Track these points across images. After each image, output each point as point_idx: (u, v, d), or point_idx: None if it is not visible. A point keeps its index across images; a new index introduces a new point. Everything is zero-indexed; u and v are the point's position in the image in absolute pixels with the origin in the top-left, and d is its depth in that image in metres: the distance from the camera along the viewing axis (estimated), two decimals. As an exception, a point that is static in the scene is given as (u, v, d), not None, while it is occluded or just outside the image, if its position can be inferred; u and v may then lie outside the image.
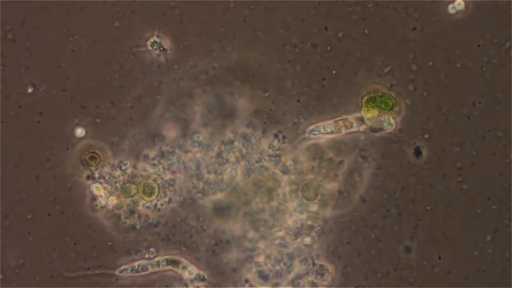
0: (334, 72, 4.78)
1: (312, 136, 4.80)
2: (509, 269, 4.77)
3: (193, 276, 4.83)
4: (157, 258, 4.84)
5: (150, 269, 4.84)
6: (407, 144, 4.79)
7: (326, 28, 4.76)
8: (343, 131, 4.79)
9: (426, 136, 4.78)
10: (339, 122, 4.79)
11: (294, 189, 4.81)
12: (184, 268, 4.83)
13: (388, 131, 4.78)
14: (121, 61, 4.80)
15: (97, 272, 4.84)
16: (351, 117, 4.79)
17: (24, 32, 4.80)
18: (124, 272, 4.84)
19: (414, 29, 4.72)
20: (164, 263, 4.84)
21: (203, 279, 4.82)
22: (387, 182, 4.81)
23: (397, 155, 4.80)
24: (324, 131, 4.80)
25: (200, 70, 4.80)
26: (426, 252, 4.81)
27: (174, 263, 4.84)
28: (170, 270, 4.85)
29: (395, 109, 4.76)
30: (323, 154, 4.80)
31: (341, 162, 4.79)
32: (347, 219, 4.82)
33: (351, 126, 4.79)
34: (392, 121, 4.76)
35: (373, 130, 4.81)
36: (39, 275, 4.88)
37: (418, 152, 4.80)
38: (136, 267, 4.83)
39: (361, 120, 4.79)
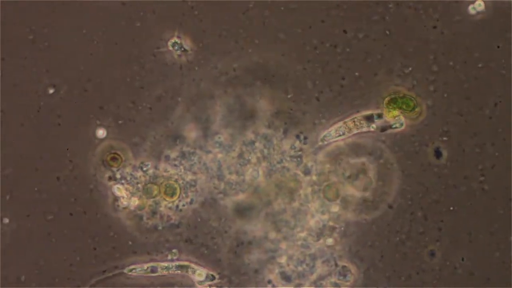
0: (356, 74, 4.78)
1: (325, 142, 4.80)
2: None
3: (203, 278, 4.81)
4: (167, 263, 4.82)
5: (159, 272, 4.83)
6: (428, 145, 4.79)
7: (345, 31, 4.77)
8: (354, 131, 4.79)
9: (446, 137, 4.78)
10: (349, 123, 4.79)
11: (315, 190, 4.80)
12: (193, 272, 4.82)
13: (398, 129, 4.77)
14: (142, 62, 4.82)
15: (110, 274, 4.82)
16: (359, 117, 4.79)
17: (43, 33, 4.82)
18: (133, 271, 4.82)
19: (435, 27, 4.72)
20: (173, 268, 4.82)
21: (213, 278, 4.80)
22: (410, 185, 4.79)
23: (418, 156, 4.80)
24: (335, 135, 4.80)
25: (220, 71, 4.82)
26: (449, 254, 4.80)
27: (183, 267, 4.83)
28: (180, 274, 4.85)
29: (416, 110, 4.77)
30: (344, 157, 4.80)
31: (365, 168, 4.78)
32: (369, 221, 4.81)
33: (361, 126, 4.79)
34: (402, 119, 4.76)
35: (382, 129, 4.81)
36: (59, 276, 4.87)
37: (438, 153, 4.80)
38: (146, 268, 4.82)
39: (370, 119, 4.79)
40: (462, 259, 4.78)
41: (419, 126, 4.79)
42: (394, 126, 4.78)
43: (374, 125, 4.79)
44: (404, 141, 4.80)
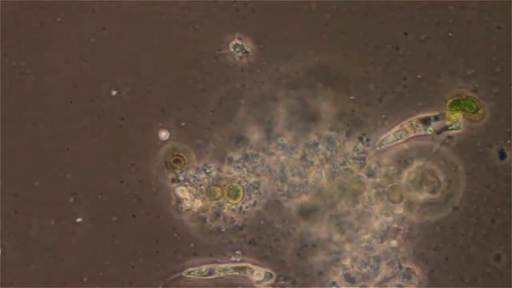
0: (418, 76, 4.79)
1: (383, 147, 4.79)
2: None
3: (261, 278, 4.81)
4: (224, 265, 4.82)
5: (217, 274, 4.83)
6: (491, 146, 4.78)
7: (405, 34, 4.78)
8: (411, 134, 4.79)
9: (510, 140, 4.76)
10: (406, 125, 4.79)
11: (379, 192, 4.80)
12: (251, 272, 4.82)
13: (455, 131, 4.76)
14: (203, 65, 4.84)
15: (169, 279, 4.82)
16: (416, 119, 4.79)
17: (105, 36, 4.85)
18: (192, 274, 4.82)
19: (499, 28, 4.71)
20: (231, 270, 4.82)
21: (271, 277, 4.79)
22: (476, 187, 4.78)
23: (482, 158, 4.78)
24: (394, 139, 4.79)
25: (282, 73, 4.83)
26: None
27: (241, 268, 4.83)
28: (238, 275, 4.85)
29: (479, 112, 4.76)
30: (409, 159, 4.80)
31: (435, 171, 4.77)
32: (434, 223, 4.79)
33: (418, 129, 4.78)
34: (460, 122, 4.75)
35: (439, 131, 4.80)
36: (121, 278, 4.88)
37: (502, 155, 4.78)
38: (203, 270, 4.82)
39: (427, 121, 4.78)
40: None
41: (482, 127, 4.78)
42: (451, 128, 4.78)
43: (431, 128, 4.79)
44: (467, 143, 4.79)
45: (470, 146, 4.79)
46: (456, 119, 4.76)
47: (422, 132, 4.80)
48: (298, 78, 4.83)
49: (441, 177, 4.78)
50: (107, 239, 4.88)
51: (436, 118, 4.80)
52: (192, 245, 4.84)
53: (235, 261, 4.83)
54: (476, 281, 4.78)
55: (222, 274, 4.84)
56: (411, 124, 4.79)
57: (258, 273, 4.82)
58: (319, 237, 4.81)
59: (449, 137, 4.78)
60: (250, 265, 4.83)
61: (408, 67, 4.79)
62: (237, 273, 4.84)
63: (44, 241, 4.88)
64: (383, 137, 4.79)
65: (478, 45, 4.78)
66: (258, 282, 4.83)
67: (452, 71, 4.78)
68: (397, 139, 4.80)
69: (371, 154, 4.81)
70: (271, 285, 4.83)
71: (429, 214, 4.78)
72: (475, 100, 4.76)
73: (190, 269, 4.84)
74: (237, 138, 4.83)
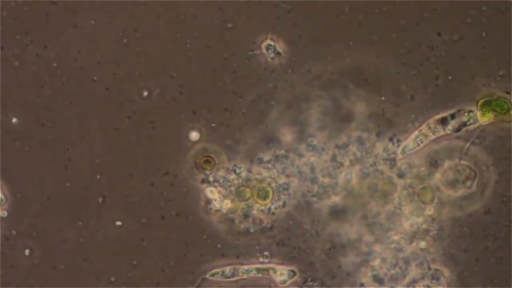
0: (450, 77, 4.75)
1: (406, 155, 4.77)
2: None
3: (285, 277, 4.83)
4: (247, 266, 4.83)
5: (240, 275, 4.83)
6: (523, 148, 4.77)
7: (439, 34, 4.72)
8: (432, 137, 4.76)
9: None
10: (424, 129, 4.75)
11: (410, 193, 4.79)
12: (274, 272, 4.83)
13: (473, 126, 4.72)
14: (235, 65, 4.79)
15: (196, 285, 4.84)
16: (433, 121, 4.76)
17: (136, 37, 4.79)
18: (215, 276, 4.83)
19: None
20: (254, 271, 4.83)
21: (294, 274, 4.80)
22: (507, 189, 4.77)
23: None
24: (415, 145, 4.76)
25: (315, 75, 4.78)
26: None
27: (264, 270, 4.83)
28: (261, 277, 4.86)
29: (510, 112, 4.72)
30: (439, 160, 4.78)
31: (470, 173, 4.76)
32: (464, 223, 4.79)
33: (437, 130, 4.75)
34: (477, 117, 4.72)
35: (457, 129, 4.77)
36: (150, 279, 4.89)
37: None
38: (227, 272, 4.83)
39: (444, 121, 4.75)
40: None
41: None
42: (468, 123, 4.74)
43: (450, 127, 4.75)
44: (499, 143, 4.76)
45: (502, 146, 4.77)
46: (487, 120, 4.73)
47: (442, 133, 4.77)
48: (330, 79, 4.79)
49: (476, 179, 4.77)
50: (136, 241, 4.87)
51: (453, 116, 4.76)
52: (219, 245, 4.84)
53: (258, 263, 4.84)
54: (506, 283, 4.80)
55: (245, 275, 4.85)
56: (429, 127, 4.76)
57: (281, 272, 4.84)
58: (349, 238, 4.82)
59: (478, 137, 4.76)
60: (273, 265, 4.84)
61: (441, 68, 4.75)
62: (260, 274, 4.84)
63: (73, 242, 4.88)
64: (403, 144, 4.76)
65: (510, 45, 4.73)
66: (282, 282, 4.84)
67: (485, 72, 4.73)
68: (418, 145, 4.77)
69: (400, 157, 4.79)
70: (296, 284, 4.84)
71: (464, 209, 4.77)
72: (506, 101, 4.72)
73: (213, 271, 4.84)
74: (268, 139, 4.80)
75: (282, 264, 4.85)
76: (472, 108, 4.72)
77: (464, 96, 4.75)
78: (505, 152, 4.77)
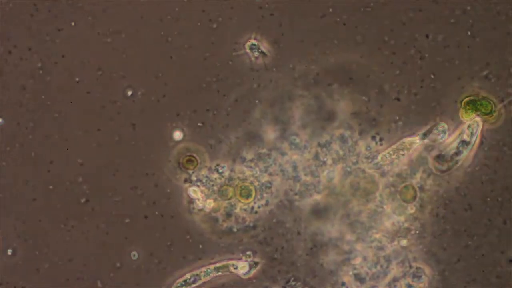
0: (433, 76, 4.74)
1: (380, 167, 4.78)
2: None
3: (247, 269, 4.82)
4: (205, 268, 4.83)
5: (202, 279, 4.83)
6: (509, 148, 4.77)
7: (427, 36, 4.70)
8: (406, 153, 4.75)
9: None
10: (396, 150, 4.76)
11: (392, 191, 4.80)
12: (235, 268, 4.82)
13: (442, 140, 4.74)
14: (219, 65, 4.76)
15: None
16: (407, 141, 4.76)
17: (121, 38, 4.75)
18: (179, 287, 4.82)
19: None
20: (213, 271, 4.83)
21: (256, 264, 4.81)
22: (493, 189, 4.79)
23: (499, 161, 4.78)
24: (389, 159, 4.76)
25: (299, 73, 4.77)
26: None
27: (223, 267, 4.84)
28: (223, 274, 4.86)
29: (494, 114, 4.72)
30: (421, 159, 4.79)
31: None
32: (446, 221, 4.82)
33: (410, 148, 4.76)
34: (446, 128, 4.72)
35: (424, 135, 4.76)
36: (132, 279, 4.89)
37: None
38: (188, 279, 4.82)
39: (415, 142, 4.75)
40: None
41: (499, 130, 4.75)
42: (440, 139, 4.74)
43: (418, 141, 4.75)
44: (484, 145, 4.77)
45: (485, 147, 4.78)
46: (470, 118, 4.73)
47: (416, 147, 4.76)
48: (314, 78, 4.77)
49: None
50: (119, 241, 4.86)
51: (424, 135, 4.76)
52: (200, 246, 4.84)
53: (215, 262, 4.83)
54: (487, 282, 4.84)
55: (208, 278, 4.84)
56: (401, 145, 4.75)
57: (242, 266, 4.83)
58: (331, 237, 4.83)
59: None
60: (231, 261, 4.83)
61: (426, 68, 4.74)
62: (220, 272, 4.84)
63: (56, 243, 4.86)
64: (375, 161, 4.76)
65: (495, 46, 4.72)
66: (246, 273, 4.84)
67: (469, 72, 4.73)
68: (393, 159, 4.78)
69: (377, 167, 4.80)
70: (265, 274, 4.81)
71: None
72: (490, 102, 4.73)
73: (178, 282, 4.82)
74: (250, 138, 4.79)
75: (235, 258, 4.83)
76: (470, 114, 4.72)
77: (448, 97, 4.75)
78: (490, 152, 4.79)
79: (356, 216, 4.82)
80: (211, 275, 4.82)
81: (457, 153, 4.76)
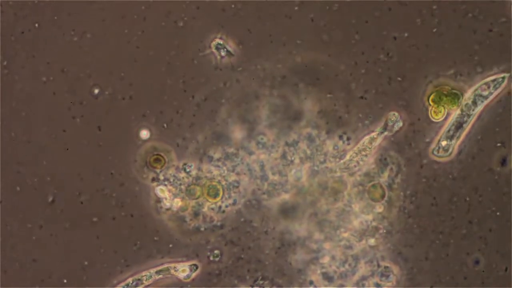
0: (399, 79, 4.76)
1: (350, 170, 4.79)
2: None
3: (187, 272, 4.81)
4: (146, 272, 4.81)
5: (145, 283, 4.82)
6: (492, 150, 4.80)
7: (394, 38, 4.73)
8: (369, 152, 4.76)
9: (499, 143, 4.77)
10: (358, 152, 4.78)
11: (360, 190, 4.81)
12: (176, 270, 4.81)
13: (397, 128, 4.75)
14: (184, 65, 4.77)
15: None
16: (366, 140, 4.77)
17: (87, 38, 4.76)
18: None
19: (490, 31, 4.70)
20: (154, 274, 4.81)
21: (197, 268, 4.80)
22: (463, 187, 4.81)
23: (480, 160, 4.80)
24: (354, 162, 4.77)
25: (265, 73, 4.78)
26: (493, 261, 4.81)
27: (164, 270, 4.82)
28: (165, 277, 4.84)
29: (460, 104, 4.72)
30: (388, 157, 4.81)
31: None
32: (413, 218, 4.82)
33: (371, 146, 4.77)
34: (397, 116, 4.73)
35: (383, 129, 4.78)
36: (100, 279, 4.88)
37: (504, 162, 4.78)
38: (130, 283, 4.81)
39: (375, 137, 4.76)
40: (506, 269, 4.80)
41: (484, 128, 4.77)
42: (396, 128, 4.76)
43: (377, 136, 4.76)
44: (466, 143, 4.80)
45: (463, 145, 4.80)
46: (442, 116, 4.73)
47: (379, 142, 4.77)
48: (280, 77, 4.79)
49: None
50: (87, 241, 4.85)
51: (383, 129, 4.78)
52: (171, 245, 4.83)
53: (156, 266, 4.82)
54: (453, 280, 4.83)
55: (150, 281, 4.82)
56: (361, 146, 4.77)
57: (182, 269, 4.81)
58: (299, 236, 4.83)
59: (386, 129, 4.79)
60: (171, 264, 4.81)
61: (392, 67, 4.76)
62: (161, 275, 4.82)
63: (23, 244, 4.85)
64: (342, 167, 4.78)
65: (462, 45, 4.75)
66: (186, 277, 4.82)
67: (435, 70, 4.75)
68: (358, 163, 4.79)
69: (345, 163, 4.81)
70: (201, 277, 4.81)
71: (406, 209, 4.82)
72: (457, 93, 4.72)
73: (119, 286, 4.81)
74: (217, 137, 4.80)
75: (177, 261, 4.81)
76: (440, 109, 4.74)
77: (415, 95, 4.77)
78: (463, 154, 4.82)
79: (324, 215, 4.82)
80: (153, 278, 4.80)
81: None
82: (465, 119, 4.79)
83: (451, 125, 4.78)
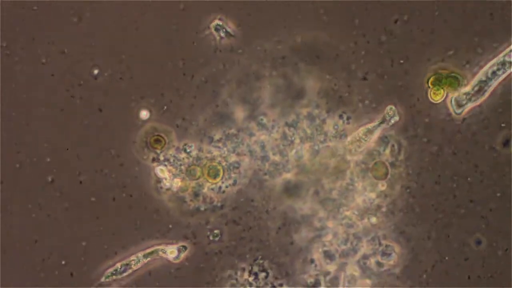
0: (401, 62, 4.76)
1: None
2: None
3: (176, 254, 4.79)
4: (134, 256, 4.80)
5: (133, 267, 4.80)
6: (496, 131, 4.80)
7: (396, 20, 4.74)
8: (364, 143, 4.77)
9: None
10: (354, 142, 4.79)
11: (363, 169, 4.80)
12: (164, 252, 4.79)
13: (394, 122, 4.76)
14: (185, 47, 4.78)
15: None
16: (361, 131, 4.78)
17: (87, 17, 4.77)
18: (110, 277, 4.79)
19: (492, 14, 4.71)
20: (142, 258, 4.80)
21: (185, 249, 4.78)
22: (464, 164, 4.81)
23: (483, 140, 4.80)
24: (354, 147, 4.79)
25: (265, 53, 4.79)
26: (495, 243, 4.80)
27: (152, 253, 4.80)
28: (153, 260, 4.82)
29: (462, 86, 4.73)
30: (389, 136, 4.81)
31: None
32: (416, 196, 4.81)
33: (367, 138, 4.78)
34: (395, 110, 4.74)
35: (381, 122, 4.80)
36: (99, 260, 4.86)
37: (506, 142, 4.78)
38: (119, 268, 4.79)
39: (371, 130, 4.77)
40: (506, 250, 4.80)
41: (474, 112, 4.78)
42: (392, 121, 4.77)
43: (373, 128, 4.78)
44: (454, 124, 4.79)
45: (457, 126, 4.80)
46: (440, 98, 4.75)
47: (376, 133, 4.78)
48: (281, 57, 4.79)
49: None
50: (86, 221, 4.83)
51: (381, 122, 4.79)
52: (170, 226, 4.82)
53: (143, 249, 4.81)
54: (456, 262, 4.82)
55: (139, 265, 4.80)
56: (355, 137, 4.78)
57: (171, 250, 4.79)
58: (301, 215, 4.82)
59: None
60: (160, 247, 4.79)
61: (392, 48, 4.77)
62: (149, 258, 4.80)
63: (22, 223, 4.83)
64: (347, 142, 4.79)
65: (462, 25, 4.76)
66: (176, 258, 4.80)
67: (435, 50, 4.77)
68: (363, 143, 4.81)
69: (352, 131, 4.79)
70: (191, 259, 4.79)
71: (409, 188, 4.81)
72: (458, 76, 4.74)
73: (107, 272, 4.79)
74: (218, 118, 4.80)
75: (165, 243, 4.81)
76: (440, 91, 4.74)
77: (416, 77, 4.78)
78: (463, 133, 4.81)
79: (328, 193, 4.81)
80: (142, 262, 4.79)
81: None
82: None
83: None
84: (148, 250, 4.78)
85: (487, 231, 4.82)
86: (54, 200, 4.82)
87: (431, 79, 4.76)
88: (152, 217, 4.82)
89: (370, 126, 4.75)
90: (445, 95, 4.77)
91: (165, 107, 4.77)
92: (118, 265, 4.79)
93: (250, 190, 4.83)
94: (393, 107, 4.73)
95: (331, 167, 4.80)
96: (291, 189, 4.81)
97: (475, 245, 4.81)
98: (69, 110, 4.80)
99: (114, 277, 4.79)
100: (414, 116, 4.80)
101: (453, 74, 4.74)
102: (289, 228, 4.83)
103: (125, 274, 4.79)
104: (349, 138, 4.75)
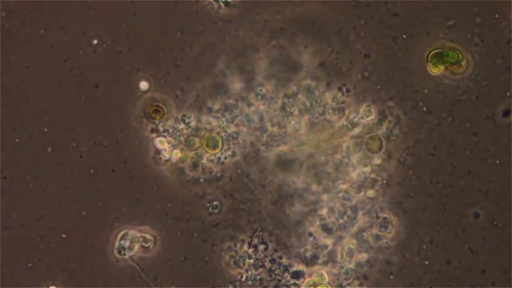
0: (404, 36, 4.74)
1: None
2: None
3: (149, 243, 4.82)
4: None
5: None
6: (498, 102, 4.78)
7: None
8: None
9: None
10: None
11: (358, 142, 4.80)
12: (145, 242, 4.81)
13: (369, 119, 4.75)
14: (182, 16, 4.76)
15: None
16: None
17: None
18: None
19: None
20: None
21: (154, 241, 4.82)
22: (464, 136, 4.80)
23: (468, 111, 4.78)
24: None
25: (264, 23, 4.77)
26: (493, 217, 4.80)
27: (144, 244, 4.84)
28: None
29: (462, 63, 4.71)
30: (387, 109, 4.80)
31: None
32: (413, 172, 4.81)
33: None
34: (372, 109, 4.73)
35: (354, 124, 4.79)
36: (99, 232, 4.89)
37: (507, 112, 4.76)
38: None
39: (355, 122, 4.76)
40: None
41: (468, 80, 4.75)
42: (364, 117, 4.76)
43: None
44: (454, 96, 4.77)
45: (456, 97, 4.78)
46: (438, 71, 4.73)
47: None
48: (280, 28, 4.77)
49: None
50: (86, 193, 4.86)
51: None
52: (169, 204, 4.84)
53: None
54: (453, 233, 4.83)
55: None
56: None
57: (145, 238, 4.82)
58: (297, 188, 4.83)
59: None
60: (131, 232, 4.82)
61: (393, 21, 4.74)
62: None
63: (21, 198, 4.85)
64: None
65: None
66: (149, 241, 4.83)
67: (434, 22, 4.73)
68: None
69: (351, 104, 4.79)
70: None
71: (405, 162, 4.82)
72: (457, 51, 4.72)
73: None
74: (216, 88, 4.80)
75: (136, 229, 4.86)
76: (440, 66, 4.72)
77: (416, 51, 4.75)
78: (459, 102, 4.80)
79: (322, 166, 4.82)
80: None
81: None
82: None
83: None
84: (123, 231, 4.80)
85: (484, 203, 4.81)
86: (53, 172, 4.84)
87: (431, 54, 4.74)
88: (152, 188, 4.84)
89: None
90: (443, 69, 4.75)
91: (162, 75, 4.76)
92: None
93: (248, 162, 4.84)
94: (371, 108, 4.71)
95: (328, 140, 4.79)
96: (286, 162, 4.81)
97: (474, 217, 4.81)
98: (68, 82, 4.81)
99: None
100: (412, 89, 4.78)
101: (452, 48, 4.71)
102: (285, 201, 4.84)
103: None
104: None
